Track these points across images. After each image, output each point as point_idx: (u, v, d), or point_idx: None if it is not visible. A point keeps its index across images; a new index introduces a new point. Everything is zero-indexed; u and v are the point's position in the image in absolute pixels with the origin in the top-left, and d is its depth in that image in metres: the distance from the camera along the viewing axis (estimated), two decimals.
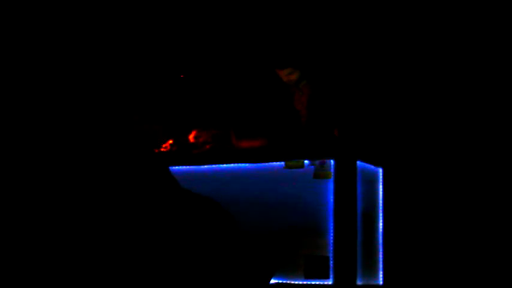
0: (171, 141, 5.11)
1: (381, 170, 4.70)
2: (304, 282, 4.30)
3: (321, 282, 4.26)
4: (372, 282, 4.54)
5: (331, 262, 4.26)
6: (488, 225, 5.25)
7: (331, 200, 4.30)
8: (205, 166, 4.66)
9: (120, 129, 2.58)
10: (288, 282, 4.32)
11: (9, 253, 2.35)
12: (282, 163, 4.46)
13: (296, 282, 4.31)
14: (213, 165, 4.64)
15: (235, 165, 4.59)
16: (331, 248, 4.26)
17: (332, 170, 4.33)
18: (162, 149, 5.04)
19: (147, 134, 5.20)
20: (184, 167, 4.66)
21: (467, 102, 5.49)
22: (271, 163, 4.50)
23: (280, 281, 4.32)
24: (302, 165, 4.42)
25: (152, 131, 5.26)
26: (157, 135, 5.20)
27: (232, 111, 5.97)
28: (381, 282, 4.61)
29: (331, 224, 4.28)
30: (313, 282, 4.28)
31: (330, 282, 4.24)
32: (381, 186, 4.68)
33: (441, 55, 5.60)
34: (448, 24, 5.58)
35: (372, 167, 4.63)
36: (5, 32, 5.71)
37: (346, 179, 4.30)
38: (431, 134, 5.55)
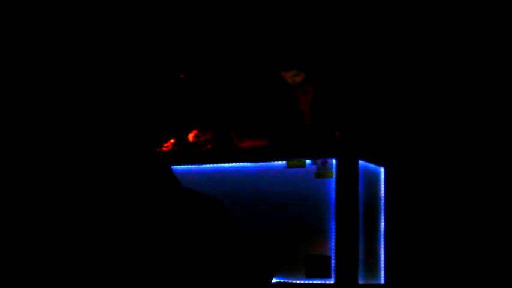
0: (172, 141, 5.11)
1: (382, 169, 4.70)
2: (306, 282, 4.30)
3: (323, 282, 4.25)
4: (374, 282, 4.54)
5: (332, 261, 4.25)
6: (489, 225, 5.25)
7: (333, 199, 4.30)
8: (207, 165, 4.66)
9: (121, 129, 2.58)
10: (290, 281, 4.32)
11: (10, 253, 2.35)
12: (284, 162, 4.46)
13: (297, 282, 4.31)
14: (215, 165, 4.64)
15: (237, 164, 4.59)
16: (333, 247, 4.26)
17: (334, 169, 4.33)
18: (163, 149, 5.04)
19: (149, 133, 5.20)
20: (185, 167, 4.66)
21: (468, 102, 5.49)
22: (273, 162, 4.50)
23: (281, 281, 4.32)
24: (304, 165, 4.41)
25: (154, 130, 5.27)
26: (159, 135, 5.20)
27: (234, 111, 5.97)
28: (383, 282, 4.61)
29: (333, 223, 4.28)
30: (314, 282, 4.28)
31: (332, 282, 4.24)
32: (382, 186, 4.68)
33: (442, 55, 5.60)
34: (449, 24, 5.57)
35: (374, 166, 4.63)
36: (5, 33, 5.71)
37: (347, 178, 4.30)
38: (433, 133, 5.55)
